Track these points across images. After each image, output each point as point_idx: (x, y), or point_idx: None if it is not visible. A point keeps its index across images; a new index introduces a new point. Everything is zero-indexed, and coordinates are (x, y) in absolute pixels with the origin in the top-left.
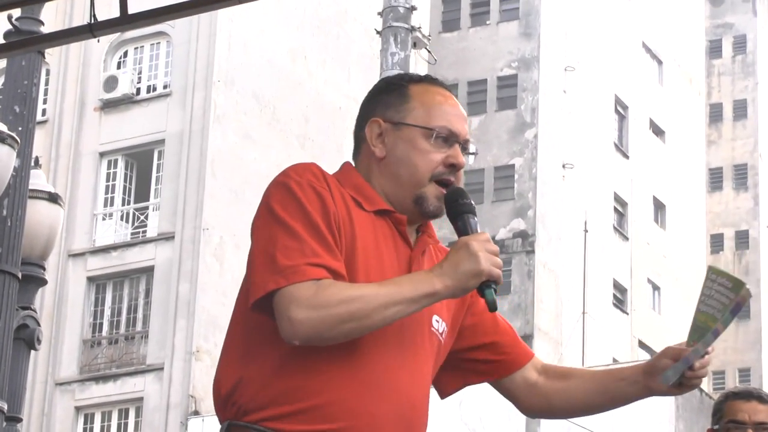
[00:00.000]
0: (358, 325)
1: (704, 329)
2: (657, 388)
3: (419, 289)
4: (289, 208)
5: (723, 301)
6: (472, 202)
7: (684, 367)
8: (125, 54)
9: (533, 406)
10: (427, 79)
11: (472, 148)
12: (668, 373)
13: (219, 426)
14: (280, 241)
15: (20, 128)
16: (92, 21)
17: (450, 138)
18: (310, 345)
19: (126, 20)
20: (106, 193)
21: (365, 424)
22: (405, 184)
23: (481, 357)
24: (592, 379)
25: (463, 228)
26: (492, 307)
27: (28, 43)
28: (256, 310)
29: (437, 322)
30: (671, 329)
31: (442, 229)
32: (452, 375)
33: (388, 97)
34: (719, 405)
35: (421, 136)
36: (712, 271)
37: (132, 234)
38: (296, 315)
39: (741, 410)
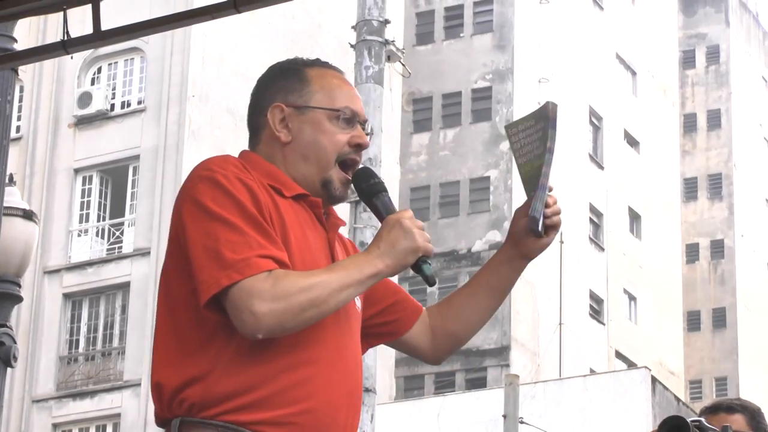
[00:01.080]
0: (317, 312)
1: (534, 174)
2: (530, 249)
3: (364, 271)
4: (221, 202)
5: (535, 137)
6: (382, 180)
7: (544, 194)
8: (99, 70)
9: (440, 348)
10: (320, 62)
11: (368, 128)
12: (536, 205)
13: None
14: (222, 236)
15: None
16: (65, 38)
17: (353, 118)
18: (272, 337)
19: (99, 36)
20: (81, 209)
21: (322, 404)
22: (313, 167)
23: (381, 320)
24: (473, 288)
25: (383, 207)
26: (431, 282)
27: (2, 60)
28: (210, 313)
29: (358, 300)
30: (648, 339)
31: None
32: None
33: (286, 82)
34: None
35: (327, 118)
36: (508, 128)
37: (108, 250)
38: (259, 308)
39: (710, 426)
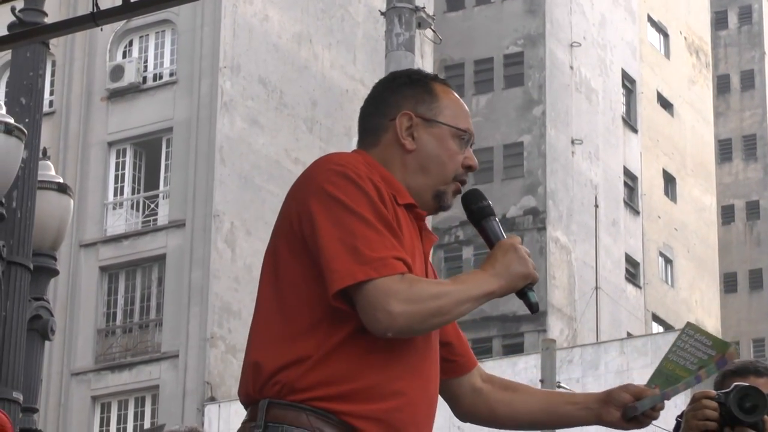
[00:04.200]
0: (441, 320)
1: (670, 376)
2: (609, 419)
3: (482, 289)
4: (356, 198)
5: (698, 355)
6: (490, 204)
7: (659, 401)
8: (130, 43)
9: (475, 411)
10: (440, 79)
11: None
12: (644, 402)
13: (241, 409)
14: (359, 231)
15: (27, 120)
16: (95, 10)
17: (469, 141)
18: (398, 337)
19: (128, 8)
20: (116, 182)
21: (406, 405)
22: (430, 180)
23: (441, 355)
24: (540, 398)
25: (491, 231)
26: (534, 309)
27: (32, 34)
28: (339, 304)
29: None
30: (684, 301)
31: (453, 209)
32: None
33: (415, 92)
34: (718, 384)
35: (451, 136)
36: (689, 327)
37: (143, 222)
38: (395, 308)
39: None
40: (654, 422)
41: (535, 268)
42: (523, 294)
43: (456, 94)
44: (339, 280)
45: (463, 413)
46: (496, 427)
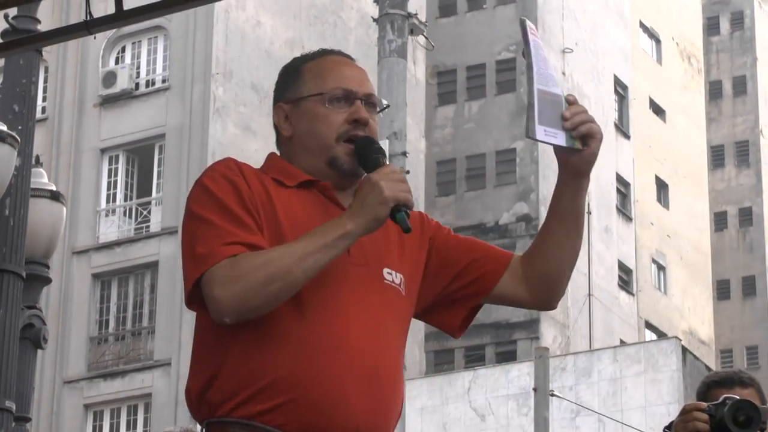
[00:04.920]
0: (283, 284)
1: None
2: (577, 167)
3: (331, 233)
4: (204, 202)
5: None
6: (381, 146)
7: (533, 111)
8: (123, 49)
9: (538, 292)
10: (321, 52)
11: (382, 103)
12: (527, 125)
13: None
14: (198, 234)
15: (20, 127)
16: (88, 18)
17: (348, 96)
18: (246, 318)
19: (122, 16)
20: (108, 189)
21: (325, 387)
22: (315, 152)
23: (465, 281)
24: (547, 222)
25: (371, 169)
26: (405, 229)
27: (26, 42)
28: (194, 308)
29: (389, 273)
30: (677, 308)
31: (445, 215)
32: (450, 311)
33: (285, 81)
34: (701, 395)
35: (318, 103)
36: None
37: (135, 229)
38: (217, 293)
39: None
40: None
41: (404, 190)
42: (393, 218)
43: (335, 59)
44: (185, 289)
45: (537, 304)
46: (560, 279)
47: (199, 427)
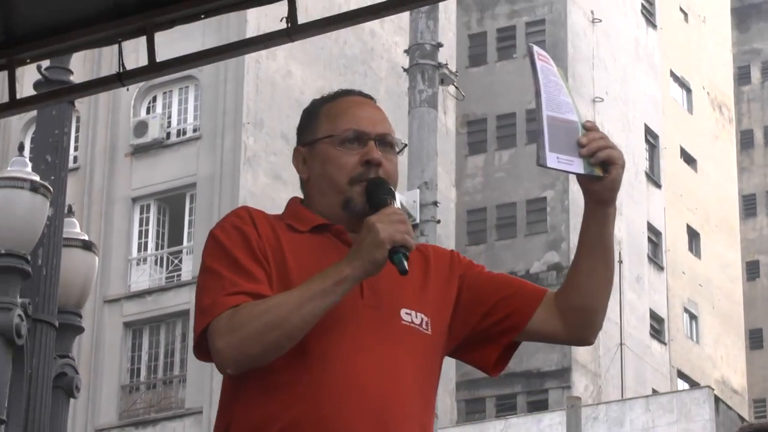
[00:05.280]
0: (280, 333)
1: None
2: (599, 195)
3: (328, 280)
4: (213, 254)
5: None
6: (392, 187)
7: (542, 139)
8: (154, 99)
9: (573, 326)
10: (339, 93)
11: (400, 142)
12: (537, 153)
13: None
14: (206, 285)
15: (52, 177)
16: (121, 70)
17: (360, 137)
18: (247, 368)
19: (155, 68)
20: (140, 238)
21: (332, 430)
22: (329, 195)
23: (497, 318)
24: (577, 254)
25: (377, 210)
26: (401, 272)
27: (59, 94)
28: (201, 358)
29: (408, 314)
30: (710, 357)
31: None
32: (484, 349)
33: (303, 124)
34: None
35: (329, 145)
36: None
37: (167, 278)
38: (217, 344)
39: None
40: None
41: (403, 231)
42: (390, 260)
43: (352, 99)
44: (194, 340)
45: (573, 339)
46: (593, 315)
47: None
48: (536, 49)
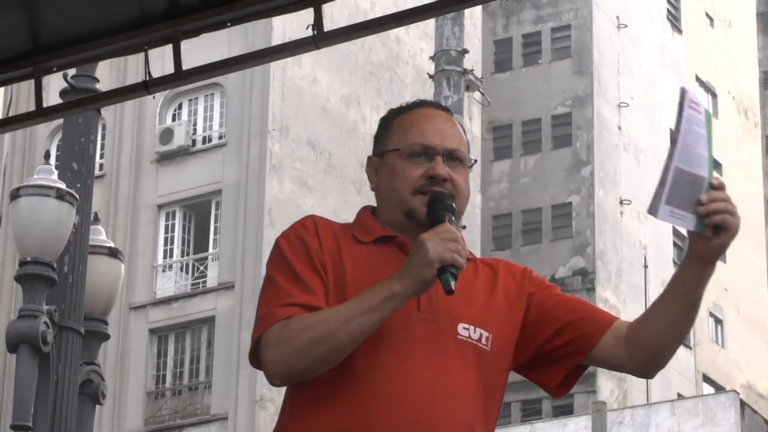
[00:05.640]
0: (327, 348)
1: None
2: (703, 253)
3: (377, 296)
4: (277, 263)
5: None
6: (452, 204)
7: (662, 190)
8: (180, 106)
9: (638, 360)
10: (415, 104)
11: (471, 158)
12: (652, 202)
13: None
14: (265, 295)
15: (78, 185)
16: (147, 78)
17: (428, 152)
18: (294, 381)
19: (181, 76)
20: (165, 244)
21: None
22: (394, 206)
23: (562, 341)
24: (663, 296)
25: (434, 226)
26: (447, 291)
27: (85, 102)
28: (256, 365)
29: (466, 329)
30: (735, 362)
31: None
32: (549, 369)
33: (378, 134)
34: None
35: (397, 157)
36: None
37: (192, 285)
38: (266, 356)
39: None
40: None
41: (454, 250)
42: (439, 279)
43: (423, 112)
44: (250, 349)
45: (635, 370)
46: (664, 356)
47: None
48: (689, 94)
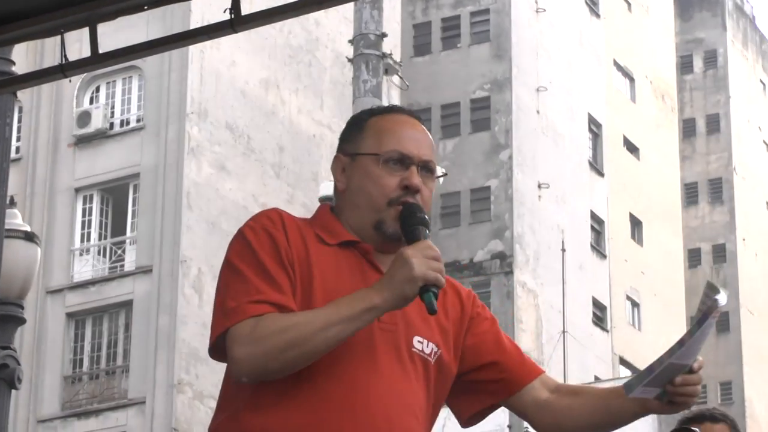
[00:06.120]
0: (300, 352)
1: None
2: (652, 406)
3: (356, 306)
4: (242, 255)
5: (696, 316)
6: (426, 216)
7: (645, 377)
8: (97, 89)
9: (543, 425)
10: (392, 109)
11: (439, 170)
12: (630, 382)
13: None
14: (230, 285)
15: None
16: (63, 61)
17: (404, 160)
18: (262, 380)
19: (98, 59)
20: (83, 228)
21: None
22: (364, 212)
23: (486, 377)
24: (599, 397)
25: (410, 240)
26: (430, 311)
27: (1, 85)
28: (216, 358)
29: (420, 342)
30: (652, 345)
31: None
32: (465, 399)
33: (349, 132)
34: None
35: (373, 162)
36: (708, 286)
37: (110, 269)
38: (237, 353)
39: None
40: None
41: (436, 269)
42: (420, 298)
43: (399, 119)
44: (210, 337)
45: (536, 427)
46: None
47: None
48: (720, 303)
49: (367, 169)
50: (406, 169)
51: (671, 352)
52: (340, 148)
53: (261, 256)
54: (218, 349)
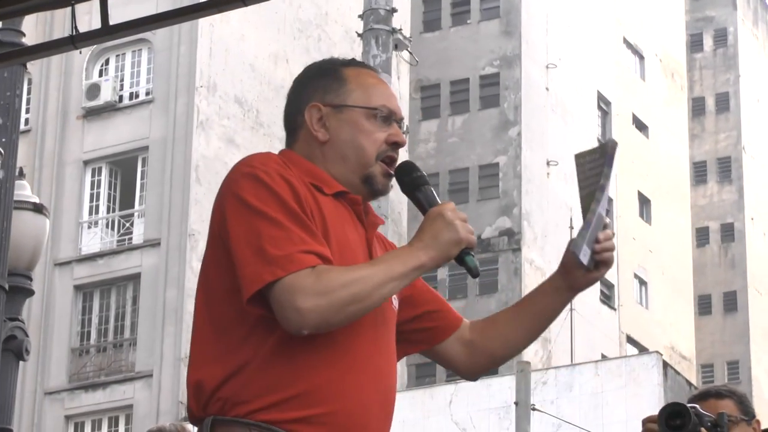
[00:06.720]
0: (360, 307)
1: (587, 207)
2: (577, 282)
3: (408, 264)
4: (264, 198)
5: (597, 170)
6: (424, 174)
7: (587, 232)
8: (107, 62)
9: (476, 363)
10: (355, 62)
11: (404, 126)
12: (576, 241)
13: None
14: (265, 232)
15: (3, 139)
16: (74, 33)
17: (390, 117)
18: (320, 332)
19: (108, 31)
20: (91, 201)
21: (353, 405)
22: (352, 166)
23: (417, 327)
24: (519, 311)
25: (425, 200)
26: (474, 273)
27: (11, 56)
28: (254, 307)
29: (394, 298)
30: (659, 323)
31: (418, 220)
32: (397, 346)
33: (323, 81)
34: None
35: (364, 116)
36: (577, 157)
37: (118, 241)
38: (304, 304)
39: (705, 413)
40: None
41: (471, 232)
42: (461, 260)
43: (374, 74)
44: (249, 286)
45: (467, 372)
46: (498, 364)
47: (191, 426)
48: (614, 141)
49: (358, 123)
50: (389, 125)
51: (597, 200)
52: (317, 98)
53: (289, 203)
54: (258, 297)
